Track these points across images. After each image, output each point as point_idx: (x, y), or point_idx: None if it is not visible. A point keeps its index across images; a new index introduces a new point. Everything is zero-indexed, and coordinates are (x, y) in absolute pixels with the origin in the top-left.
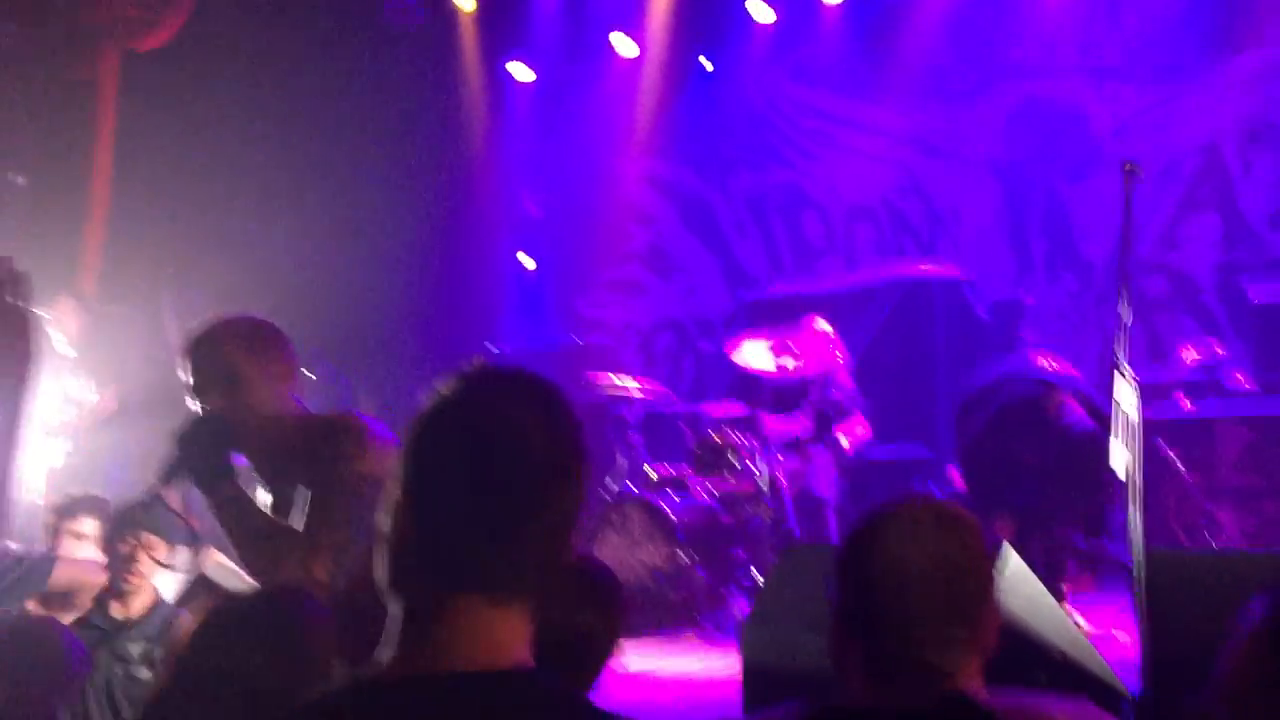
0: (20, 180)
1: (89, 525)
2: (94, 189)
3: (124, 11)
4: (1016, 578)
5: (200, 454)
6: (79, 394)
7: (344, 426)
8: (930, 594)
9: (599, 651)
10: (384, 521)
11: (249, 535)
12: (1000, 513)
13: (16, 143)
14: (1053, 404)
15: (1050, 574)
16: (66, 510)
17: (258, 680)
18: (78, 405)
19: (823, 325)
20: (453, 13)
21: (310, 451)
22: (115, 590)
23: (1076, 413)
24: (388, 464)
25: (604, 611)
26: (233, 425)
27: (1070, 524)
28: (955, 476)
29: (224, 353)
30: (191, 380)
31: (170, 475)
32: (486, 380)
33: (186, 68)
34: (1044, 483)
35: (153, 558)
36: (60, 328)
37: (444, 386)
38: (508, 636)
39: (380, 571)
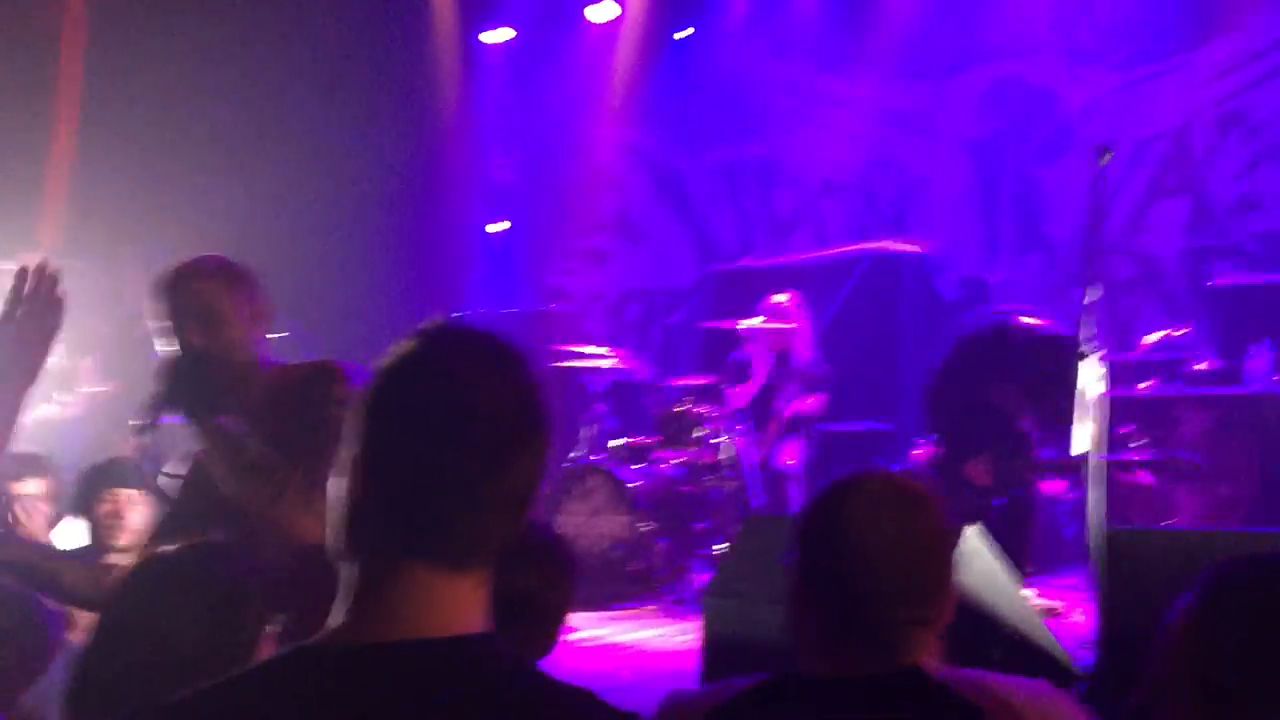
0: None
1: (34, 485)
2: (57, 140)
3: None
4: (972, 555)
5: (185, 386)
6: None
7: (333, 370)
8: (889, 571)
9: (552, 619)
10: (336, 483)
11: (244, 467)
12: (974, 456)
13: None
14: (1014, 330)
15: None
16: (16, 473)
17: (177, 636)
18: (52, 370)
19: (781, 297)
20: None
21: (302, 393)
22: (104, 548)
23: (1039, 329)
24: None
25: (556, 578)
26: (213, 365)
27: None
28: (916, 452)
29: (200, 289)
30: (166, 320)
31: (157, 409)
32: (446, 339)
33: (154, 21)
34: (1014, 412)
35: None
36: None
37: (401, 345)
38: (463, 604)
39: (331, 534)
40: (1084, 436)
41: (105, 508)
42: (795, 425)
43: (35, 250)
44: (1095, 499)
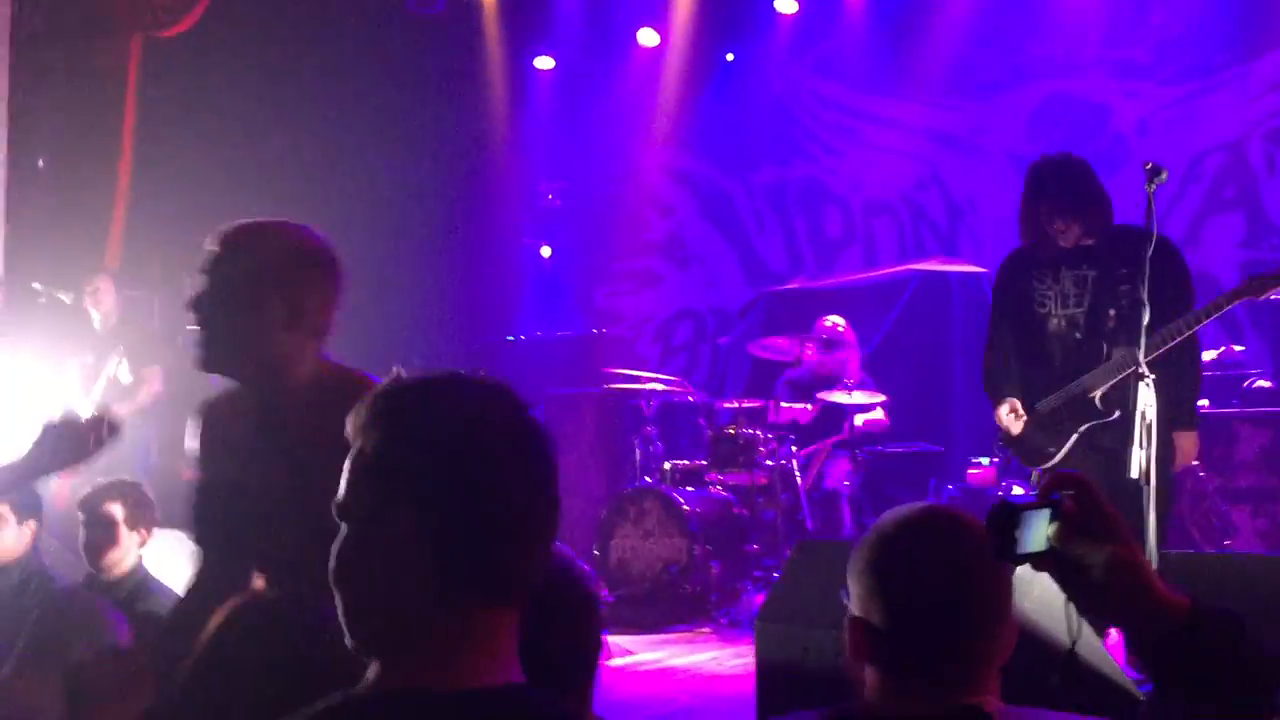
0: (40, 163)
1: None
2: (116, 174)
3: None
4: (1028, 579)
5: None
6: (116, 371)
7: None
8: (944, 607)
9: (584, 664)
10: (374, 530)
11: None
12: None
13: (39, 127)
14: None
15: None
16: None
17: (276, 685)
18: (111, 381)
19: (835, 319)
20: (475, 1)
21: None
22: None
23: None
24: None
25: (582, 624)
26: (259, 385)
27: None
28: (971, 472)
29: (285, 266)
30: (209, 295)
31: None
32: (460, 386)
33: (208, 55)
34: None
35: None
36: (97, 306)
37: (418, 391)
38: (500, 649)
39: (375, 578)
40: (1140, 459)
41: None
42: (848, 446)
43: (110, 276)
44: (1149, 522)
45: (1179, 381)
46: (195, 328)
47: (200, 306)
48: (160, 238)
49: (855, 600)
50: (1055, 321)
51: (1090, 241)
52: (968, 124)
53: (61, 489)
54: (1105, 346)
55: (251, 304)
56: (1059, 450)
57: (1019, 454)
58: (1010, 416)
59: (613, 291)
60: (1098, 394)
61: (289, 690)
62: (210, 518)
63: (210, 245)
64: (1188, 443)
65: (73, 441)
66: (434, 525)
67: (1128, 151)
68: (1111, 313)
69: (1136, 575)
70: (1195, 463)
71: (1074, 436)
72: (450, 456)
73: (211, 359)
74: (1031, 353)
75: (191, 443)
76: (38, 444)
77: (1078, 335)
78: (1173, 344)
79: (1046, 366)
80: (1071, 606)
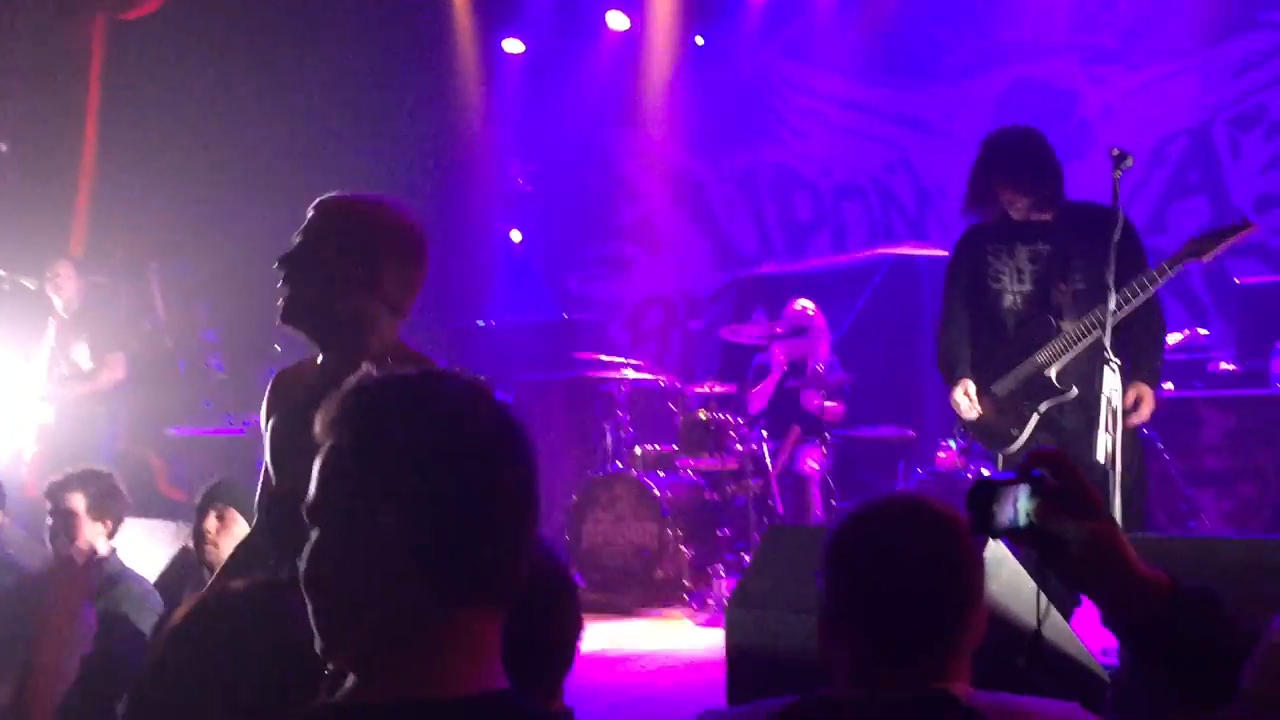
0: (2, 147)
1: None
2: (81, 158)
3: None
4: (996, 562)
5: None
6: (77, 358)
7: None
8: (918, 597)
9: (560, 660)
10: (353, 532)
11: None
12: None
13: (2, 112)
14: None
15: None
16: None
17: (235, 679)
18: (71, 366)
19: (804, 303)
20: None
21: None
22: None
23: None
24: None
25: (562, 619)
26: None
27: None
28: (940, 456)
29: (371, 235)
30: (295, 253)
31: None
32: (437, 382)
33: (173, 38)
34: None
35: None
36: (58, 292)
37: (394, 387)
38: (484, 653)
39: (357, 582)
40: (1105, 443)
41: (208, 522)
42: (816, 430)
43: (73, 261)
44: (1115, 505)
45: (1142, 336)
46: (281, 284)
47: (287, 263)
48: (125, 224)
49: (828, 587)
50: (1009, 298)
51: (1045, 217)
52: (936, 108)
53: (31, 477)
54: (1055, 321)
55: (332, 263)
56: (1021, 433)
57: (981, 439)
58: (965, 399)
59: (583, 276)
60: (1053, 371)
61: (267, 686)
62: (263, 492)
63: (308, 211)
64: (1149, 395)
65: None
66: (417, 525)
67: (1093, 136)
68: (1062, 287)
69: (1116, 552)
70: (1160, 446)
71: (1034, 418)
72: (432, 454)
73: (291, 312)
74: (986, 329)
75: (261, 413)
76: None
77: (1030, 311)
78: (1125, 312)
79: (1001, 343)
80: (1038, 590)
